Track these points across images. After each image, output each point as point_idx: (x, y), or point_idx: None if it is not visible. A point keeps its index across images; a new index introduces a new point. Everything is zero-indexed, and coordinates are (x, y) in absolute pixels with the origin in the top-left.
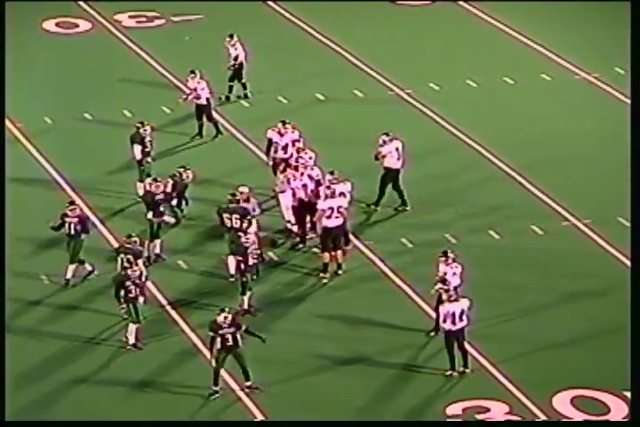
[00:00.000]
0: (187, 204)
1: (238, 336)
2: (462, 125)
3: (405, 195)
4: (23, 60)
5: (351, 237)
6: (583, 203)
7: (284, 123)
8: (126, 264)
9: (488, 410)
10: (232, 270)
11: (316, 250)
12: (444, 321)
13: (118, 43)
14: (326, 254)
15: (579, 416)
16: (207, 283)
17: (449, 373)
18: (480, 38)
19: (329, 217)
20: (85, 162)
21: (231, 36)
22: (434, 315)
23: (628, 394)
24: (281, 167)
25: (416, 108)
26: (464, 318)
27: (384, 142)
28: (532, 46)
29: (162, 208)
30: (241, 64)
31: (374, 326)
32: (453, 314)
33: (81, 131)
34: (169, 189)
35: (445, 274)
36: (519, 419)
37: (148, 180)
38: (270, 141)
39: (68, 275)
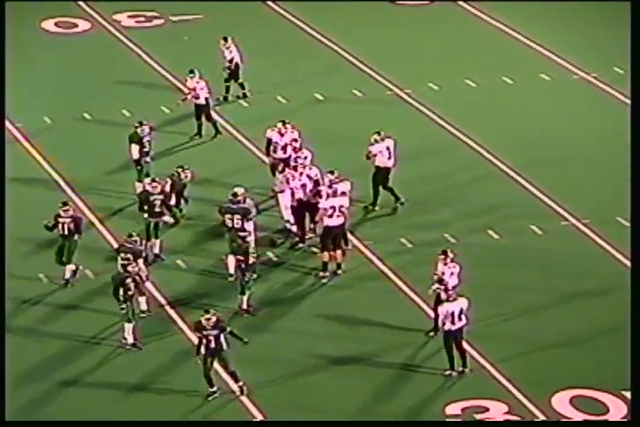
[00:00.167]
0: (186, 203)
1: (222, 339)
2: (461, 125)
3: (396, 191)
4: (23, 60)
5: (351, 237)
6: (583, 203)
7: (283, 123)
8: (125, 262)
9: (487, 410)
10: (231, 270)
11: (315, 250)
12: (444, 321)
13: (117, 43)
14: (326, 253)
15: (578, 416)
16: (206, 283)
17: (448, 373)
18: (479, 38)
19: (330, 216)
20: (85, 162)
21: (225, 39)
22: (433, 315)
23: (628, 394)
24: (280, 167)
25: (415, 108)
26: (463, 317)
27: (375, 141)
28: (532, 46)
29: (158, 208)
30: (236, 65)
31: (373, 326)
32: (453, 313)
33: (80, 131)
34: (167, 189)
35: (443, 274)
36: (518, 419)
37: (147, 180)
38: (270, 141)
39: (67, 275)
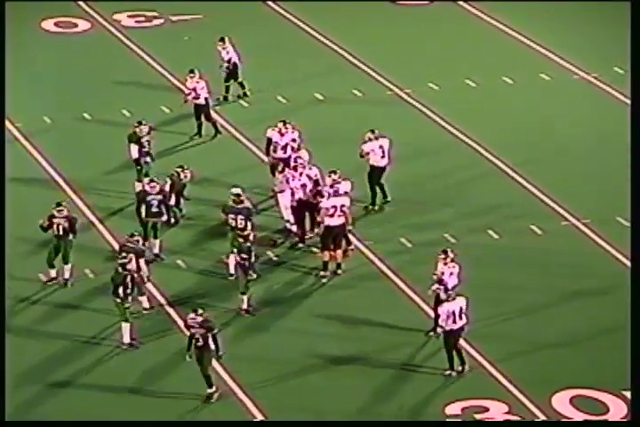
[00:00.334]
0: (186, 200)
1: (209, 339)
2: (461, 125)
3: (391, 190)
4: (23, 60)
5: (351, 237)
6: (583, 203)
7: (284, 122)
8: (123, 260)
9: (487, 410)
10: (232, 270)
11: (315, 249)
12: (446, 321)
13: (117, 42)
14: (326, 253)
15: (578, 416)
16: (206, 283)
17: (448, 372)
18: (479, 38)
19: (331, 216)
20: (84, 162)
21: (222, 40)
22: (433, 314)
23: (628, 394)
24: (280, 167)
25: (415, 108)
26: (463, 316)
27: (369, 139)
28: (532, 46)
29: (156, 209)
30: (235, 65)
31: (373, 326)
32: (454, 313)
33: (80, 130)
34: (167, 189)
35: (442, 274)
36: (518, 419)
37: (146, 180)
38: (270, 141)
39: (66, 275)
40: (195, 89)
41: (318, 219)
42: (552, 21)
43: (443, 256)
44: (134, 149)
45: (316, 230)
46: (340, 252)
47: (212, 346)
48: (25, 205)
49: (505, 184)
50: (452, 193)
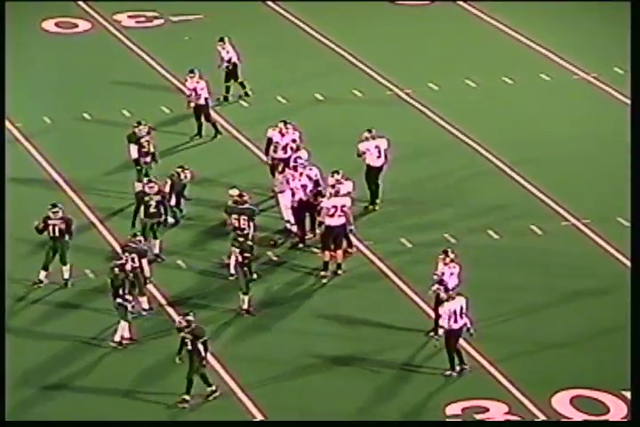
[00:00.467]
0: (186, 200)
1: (199, 345)
2: (461, 125)
3: (380, 190)
4: (23, 60)
5: (352, 238)
6: (583, 203)
7: (285, 123)
8: (121, 261)
9: (487, 410)
10: (232, 270)
11: (315, 250)
12: (448, 321)
13: (117, 43)
14: (326, 253)
15: (578, 416)
16: (206, 283)
17: (448, 373)
18: (479, 38)
19: (332, 215)
20: (84, 162)
21: (222, 40)
22: (433, 315)
23: (628, 394)
24: (280, 168)
25: (415, 108)
26: (463, 315)
27: (366, 139)
28: (532, 46)
29: (154, 209)
30: (234, 65)
31: (373, 326)
32: (455, 312)
33: (80, 131)
34: (167, 190)
35: (443, 274)
36: (518, 419)
37: (145, 180)
38: (270, 140)
39: (65, 275)
40: (195, 89)
41: (319, 219)
42: (552, 21)
43: (443, 256)
44: (133, 149)
45: (317, 231)
46: (340, 252)
47: (202, 353)
48: (25, 206)
49: (505, 184)
50: (452, 193)
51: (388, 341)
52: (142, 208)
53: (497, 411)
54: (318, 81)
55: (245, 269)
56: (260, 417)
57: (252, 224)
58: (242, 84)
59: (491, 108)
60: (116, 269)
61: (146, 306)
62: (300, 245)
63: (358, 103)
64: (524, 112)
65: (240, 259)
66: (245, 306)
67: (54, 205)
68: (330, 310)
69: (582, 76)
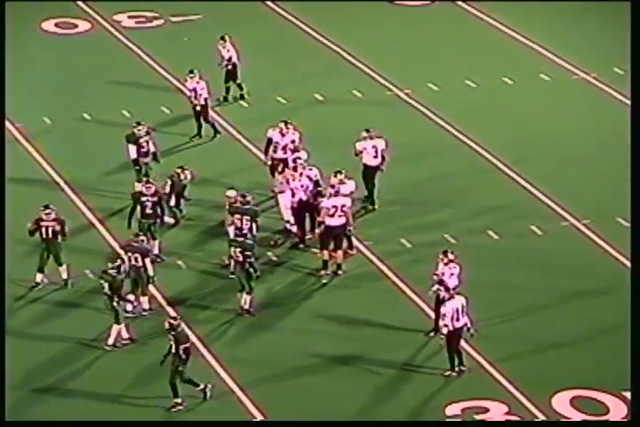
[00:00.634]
0: (186, 201)
1: (180, 350)
2: (461, 126)
3: (376, 191)
4: (23, 61)
5: (353, 239)
6: (583, 203)
7: (285, 123)
8: (117, 263)
9: (487, 410)
10: (232, 268)
11: (315, 250)
12: (451, 320)
13: (117, 43)
14: (325, 252)
15: (578, 416)
16: (206, 283)
17: (448, 373)
18: (479, 38)
19: (332, 215)
20: (84, 162)
21: (223, 39)
22: (433, 315)
23: (628, 394)
24: (279, 168)
25: (415, 109)
26: (464, 314)
27: (364, 138)
28: (532, 46)
29: (150, 210)
30: (234, 65)
31: (373, 326)
32: (457, 310)
33: (80, 131)
34: (167, 190)
35: (443, 274)
36: (518, 419)
37: (144, 180)
38: (270, 141)
39: (63, 275)
40: (195, 90)
41: (319, 219)
42: (552, 21)
43: (443, 257)
44: (132, 149)
45: (317, 231)
46: (340, 252)
47: (184, 358)
48: (25, 206)
49: (505, 185)
50: (452, 193)
51: (388, 341)
52: (139, 209)
53: (497, 411)
54: (318, 81)
55: (247, 267)
56: (259, 417)
57: (254, 225)
58: (239, 86)
59: (491, 109)
60: (113, 271)
61: (146, 306)
62: (300, 246)
63: (358, 103)
64: (524, 112)
65: (241, 258)
66: (246, 306)
67: (47, 207)
68: (330, 310)
69: (582, 76)
